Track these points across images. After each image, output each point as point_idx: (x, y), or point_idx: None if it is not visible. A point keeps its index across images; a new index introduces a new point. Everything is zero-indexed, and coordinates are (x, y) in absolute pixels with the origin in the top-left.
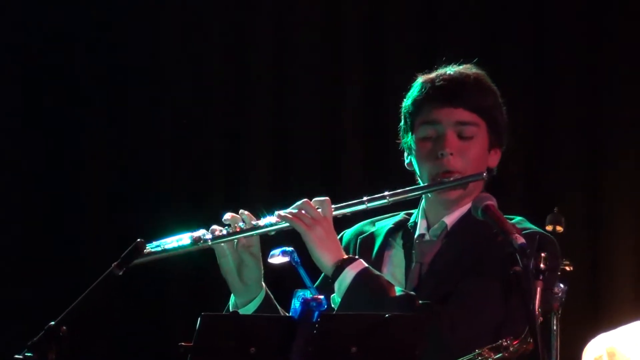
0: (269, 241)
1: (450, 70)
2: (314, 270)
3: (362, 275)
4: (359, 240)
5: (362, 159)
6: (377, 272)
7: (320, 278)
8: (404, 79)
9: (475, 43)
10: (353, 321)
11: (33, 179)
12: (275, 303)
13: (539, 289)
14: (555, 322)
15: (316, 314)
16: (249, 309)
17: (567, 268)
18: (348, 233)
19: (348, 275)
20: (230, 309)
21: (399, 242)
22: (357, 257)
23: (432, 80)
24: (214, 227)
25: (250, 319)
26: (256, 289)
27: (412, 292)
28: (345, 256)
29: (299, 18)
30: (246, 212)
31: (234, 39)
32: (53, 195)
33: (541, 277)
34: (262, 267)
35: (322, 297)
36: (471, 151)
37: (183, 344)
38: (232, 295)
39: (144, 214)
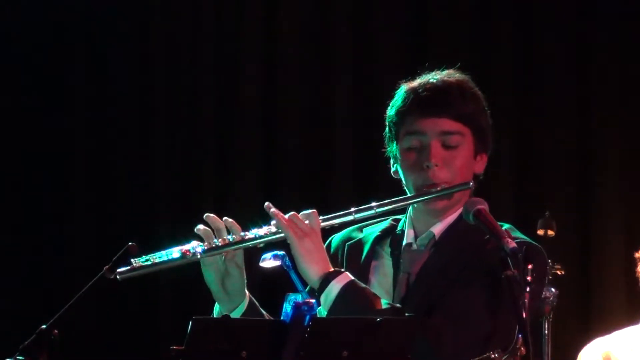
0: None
1: (434, 78)
2: None
3: (347, 288)
4: (346, 247)
5: (351, 168)
6: (362, 285)
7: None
8: (394, 85)
9: (463, 46)
10: (345, 325)
11: (24, 180)
12: (260, 309)
13: (526, 301)
14: (546, 326)
15: (308, 317)
16: (233, 317)
17: (559, 272)
18: (336, 239)
19: (334, 288)
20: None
21: (387, 251)
22: (343, 270)
23: (415, 90)
24: (200, 228)
25: (241, 323)
26: (240, 297)
27: (398, 305)
28: (332, 269)
29: (289, 24)
30: (230, 221)
31: (224, 45)
32: (43, 199)
33: (527, 289)
34: (245, 276)
35: (313, 300)
36: (457, 160)
37: (174, 347)
38: (216, 303)
39: (135, 218)
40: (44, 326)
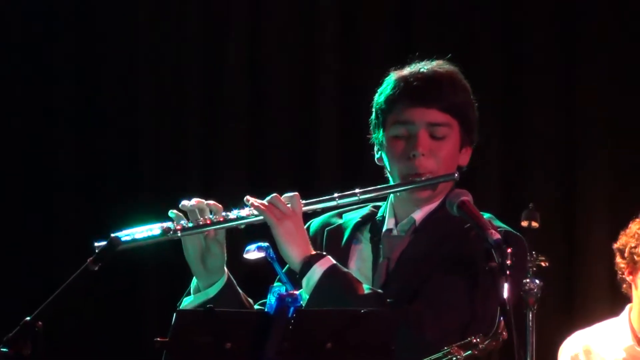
0: (245, 237)
1: (424, 67)
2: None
3: (330, 272)
4: (325, 232)
5: (335, 156)
6: (344, 270)
7: (286, 267)
8: (379, 74)
9: (450, 40)
10: (328, 317)
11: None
12: (238, 288)
13: (506, 285)
14: (530, 318)
15: (292, 309)
16: (210, 292)
17: (543, 264)
18: (315, 223)
19: (316, 272)
20: (192, 292)
21: (366, 236)
22: (325, 253)
23: (405, 79)
24: (185, 203)
25: (225, 315)
26: (219, 274)
27: (379, 290)
28: (314, 252)
29: (275, 19)
30: (212, 203)
31: (210, 37)
32: (26, 188)
33: (507, 272)
34: (226, 254)
35: (297, 292)
36: (443, 151)
37: (158, 339)
38: (194, 278)
39: (118, 209)
40: (28, 318)
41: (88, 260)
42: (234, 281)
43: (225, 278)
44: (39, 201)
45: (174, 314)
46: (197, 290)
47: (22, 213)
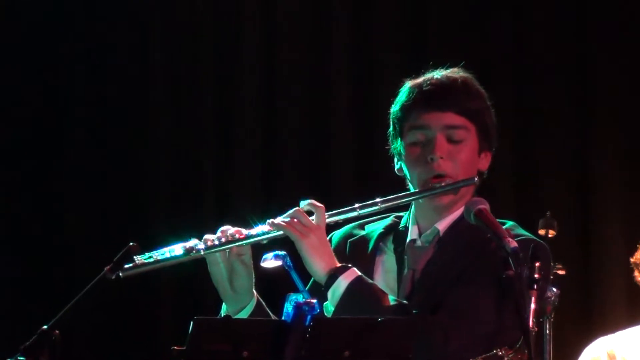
0: (262, 245)
1: (438, 74)
2: (306, 274)
3: (355, 284)
4: (348, 244)
5: (352, 166)
6: (370, 281)
7: (312, 281)
8: (394, 84)
9: (464, 46)
10: (346, 325)
11: (26, 181)
12: (268, 310)
13: (533, 299)
14: (548, 326)
15: (309, 317)
16: (240, 317)
17: (560, 272)
18: (337, 235)
19: (341, 284)
20: None
21: (390, 247)
22: (350, 265)
23: (419, 85)
24: (207, 236)
25: (242, 323)
26: (247, 296)
27: (405, 302)
28: (339, 264)
29: (288, 27)
30: (236, 228)
31: (224, 46)
32: (44, 199)
33: (535, 287)
34: (254, 276)
35: (314, 300)
36: (461, 155)
37: (176, 347)
38: (223, 303)
39: (136, 220)
40: (45, 326)
41: (105, 269)
42: (264, 303)
43: (254, 302)
44: (56, 211)
45: (192, 322)
46: None
47: (41, 221)
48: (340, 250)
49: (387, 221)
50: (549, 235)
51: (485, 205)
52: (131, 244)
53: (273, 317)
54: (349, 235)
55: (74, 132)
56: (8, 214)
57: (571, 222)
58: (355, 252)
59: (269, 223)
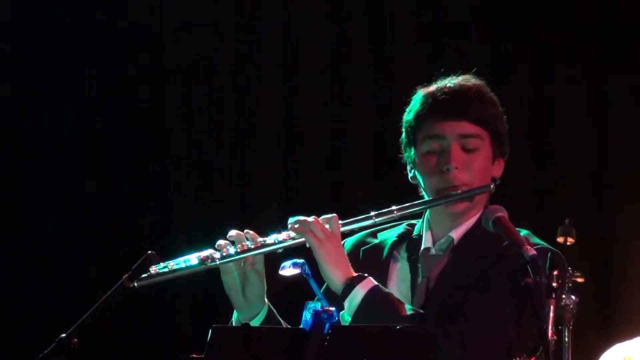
0: (280, 254)
1: (450, 82)
2: (324, 282)
3: (372, 293)
4: (361, 252)
5: (368, 173)
6: (386, 290)
7: (325, 286)
8: (411, 90)
9: (480, 51)
10: (364, 333)
11: (46, 188)
12: (279, 318)
13: (552, 307)
14: (566, 334)
15: (327, 325)
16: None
17: (579, 280)
18: (349, 243)
19: (358, 293)
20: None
21: (403, 255)
22: (366, 275)
23: (433, 94)
24: (220, 242)
25: (261, 331)
26: (259, 305)
27: (421, 311)
28: (355, 274)
29: (307, 36)
30: (251, 232)
31: (242, 56)
32: (64, 207)
33: (554, 295)
34: (266, 284)
35: (333, 308)
36: (476, 163)
37: (194, 355)
38: (234, 311)
39: (154, 227)
40: (63, 334)
41: (124, 277)
42: (275, 312)
43: (266, 310)
44: (75, 219)
45: (210, 330)
46: (238, 323)
47: (59, 230)
48: (353, 258)
49: (400, 229)
50: (567, 243)
51: (503, 213)
52: (149, 252)
53: (284, 324)
54: (362, 243)
55: (94, 138)
56: (26, 224)
57: (590, 230)
58: (369, 260)
59: (291, 227)
